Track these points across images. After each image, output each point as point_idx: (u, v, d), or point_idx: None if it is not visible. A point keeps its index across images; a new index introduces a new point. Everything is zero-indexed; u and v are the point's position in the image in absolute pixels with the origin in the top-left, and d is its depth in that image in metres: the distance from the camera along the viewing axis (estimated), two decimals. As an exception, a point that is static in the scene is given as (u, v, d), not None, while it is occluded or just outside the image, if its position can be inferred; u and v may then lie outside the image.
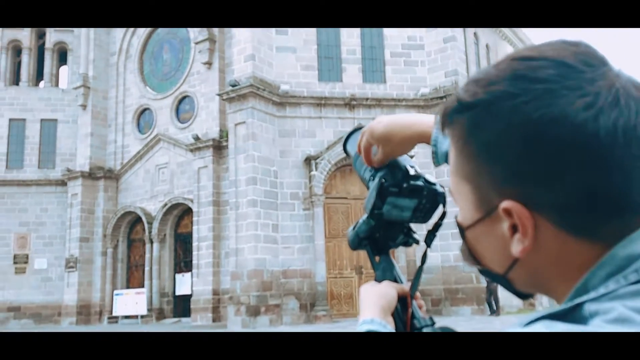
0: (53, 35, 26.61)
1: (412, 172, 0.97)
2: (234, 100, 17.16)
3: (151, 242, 22.18)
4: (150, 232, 22.12)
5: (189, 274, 20.85)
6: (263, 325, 15.64)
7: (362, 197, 17.64)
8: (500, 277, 0.66)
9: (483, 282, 16.34)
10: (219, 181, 20.01)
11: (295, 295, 16.63)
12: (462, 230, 0.68)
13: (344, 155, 19.16)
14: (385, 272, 1.00)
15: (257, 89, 16.84)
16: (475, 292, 16.69)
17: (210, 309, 19.12)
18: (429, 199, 0.95)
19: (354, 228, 1.03)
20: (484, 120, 0.59)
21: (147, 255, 22.27)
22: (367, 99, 18.18)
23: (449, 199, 0.91)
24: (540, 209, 0.57)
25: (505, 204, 0.58)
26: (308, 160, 17.37)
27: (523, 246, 0.58)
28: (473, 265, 0.69)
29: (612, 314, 0.50)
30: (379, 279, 1.00)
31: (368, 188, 1.01)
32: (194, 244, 20.02)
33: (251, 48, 17.30)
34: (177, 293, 21.67)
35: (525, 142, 0.56)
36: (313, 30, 18.41)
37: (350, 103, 18.04)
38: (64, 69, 27.94)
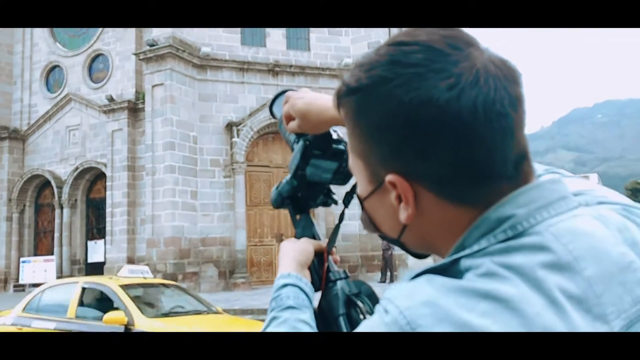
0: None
1: (334, 136, 1.02)
2: (152, 61, 16.50)
3: (61, 207, 21.23)
4: (60, 197, 21.15)
5: (102, 240, 20.23)
6: (180, 292, 15.46)
7: (285, 166, 17.71)
8: (395, 241, 0.73)
9: (397, 250, 16.93)
10: (134, 145, 19.32)
11: (214, 263, 16.52)
12: (361, 201, 0.75)
13: (267, 122, 19.04)
14: (305, 230, 1.07)
15: (176, 50, 16.29)
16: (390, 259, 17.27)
17: (125, 277, 18.65)
18: (348, 163, 0.98)
19: (277, 187, 1.09)
20: (367, 103, 0.65)
21: (57, 221, 21.33)
22: (291, 66, 18.03)
23: None
24: (419, 180, 0.64)
25: (389, 177, 0.65)
26: (229, 127, 17.07)
27: (407, 213, 0.66)
28: (373, 232, 0.77)
29: (481, 269, 0.58)
30: (298, 236, 1.07)
31: (292, 150, 1.06)
32: (108, 210, 19.39)
33: (171, 7, 16.60)
34: (90, 260, 21.02)
35: (401, 123, 0.62)
36: (237, -8, 17.94)
37: (274, 69, 17.83)
38: (-39, 19, 25.68)
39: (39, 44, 23.21)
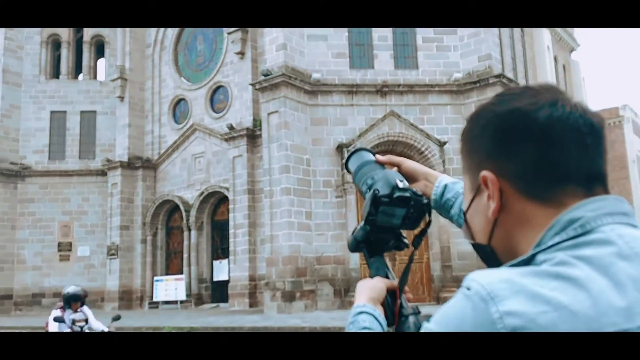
0: (90, 29, 27.19)
1: (400, 185, 1.12)
2: (267, 90, 17.35)
3: (189, 229, 22.65)
4: (188, 220, 22.58)
5: (226, 260, 21.25)
6: (298, 310, 15.91)
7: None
8: (487, 249, 0.86)
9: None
10: (253, 170, 20.28)
11: (329, 281, 16.83)
12: (464, 213, 0.92)
13: (376, 142, 18.98)
14: (378, 270, 1.18)
15: (289, 78, 16.97)
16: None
17: (247, 295, 19.50)
18: (416, 209, 1.12)
19: (353, 233, 1.19)
20: (475, 122, 0.85)
21: (185, 243, 22.77)
22: (399, 85, 18.13)
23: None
24: (505, 177, 0.79)
25: (482, 173, 0.81)
26: (340, 148, 17.47)
27: (493, 207, 0.80)
28: (470, 239, 0.91)
29: (555, 260, 0.70)
30: (372, 276, 1.18)
31: (364, 199, 1.18)
32: (230, 231, 20.38)
33: (283, 37, 17.43)
34: (215, 279, 22.11)
35: (493, 128, 0.81)
36: (344, 17, 18.41)
37: (382, 90, 18.02)
38: (101, 62, 28.55)
39: (166, 79, 25.21)
